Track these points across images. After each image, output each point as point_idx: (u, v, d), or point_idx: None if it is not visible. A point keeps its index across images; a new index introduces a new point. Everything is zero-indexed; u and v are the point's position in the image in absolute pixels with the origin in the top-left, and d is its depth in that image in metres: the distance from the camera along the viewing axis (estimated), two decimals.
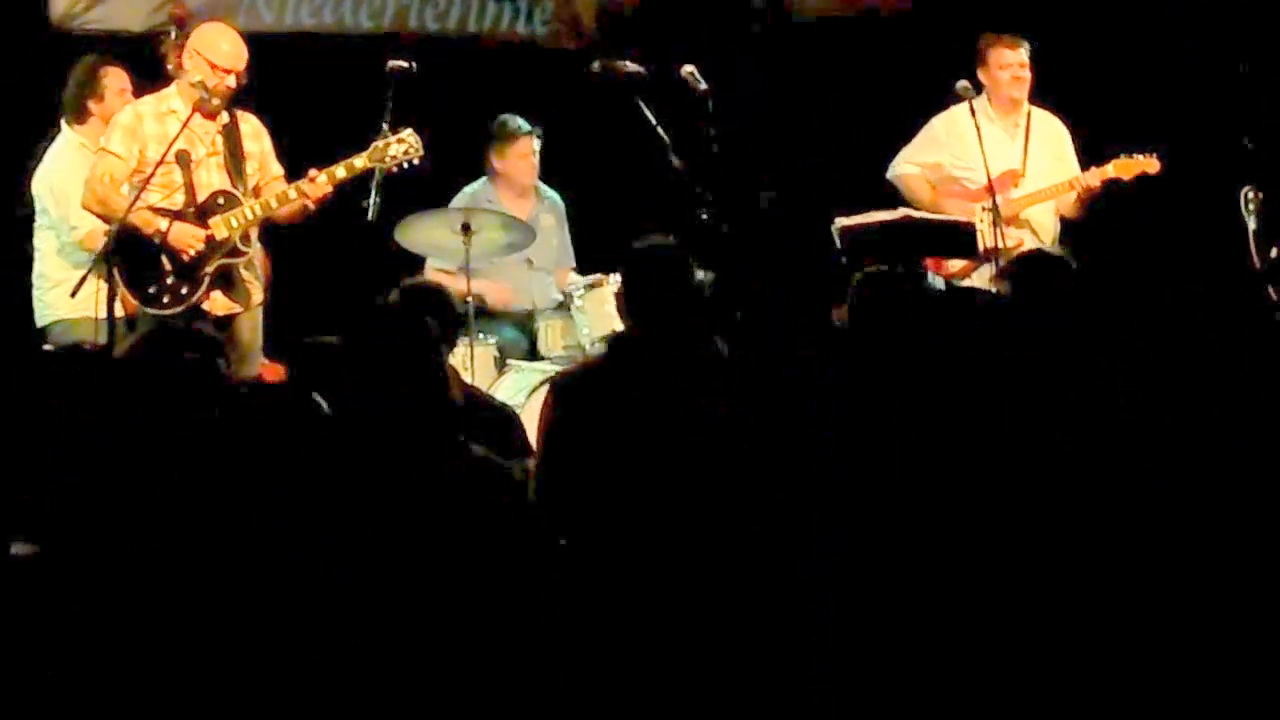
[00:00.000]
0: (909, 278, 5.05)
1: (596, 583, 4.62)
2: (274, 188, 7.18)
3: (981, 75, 8.11)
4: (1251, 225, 8.00)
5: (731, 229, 7.50)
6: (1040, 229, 8.11)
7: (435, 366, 4.30)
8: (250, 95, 7.25)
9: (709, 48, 8.84)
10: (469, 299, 7.54)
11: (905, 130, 8.35)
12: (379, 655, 4.06)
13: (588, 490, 4.71)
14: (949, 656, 4.47)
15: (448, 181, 8.34)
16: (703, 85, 7.50)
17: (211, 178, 7.13)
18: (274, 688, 4.06)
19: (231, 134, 7.17)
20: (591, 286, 7.85)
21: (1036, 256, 6.31)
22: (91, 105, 7.57)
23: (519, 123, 8.31)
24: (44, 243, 7.54)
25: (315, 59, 8.87)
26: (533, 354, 8.05)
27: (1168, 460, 4.55)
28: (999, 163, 7.95)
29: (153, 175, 6.94)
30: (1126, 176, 8.00)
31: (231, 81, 7.08)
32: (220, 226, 7.07)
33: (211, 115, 7.12)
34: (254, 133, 7.26)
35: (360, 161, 7.17)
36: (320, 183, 7.06)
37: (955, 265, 7.98)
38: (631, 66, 7.64)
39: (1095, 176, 8.02)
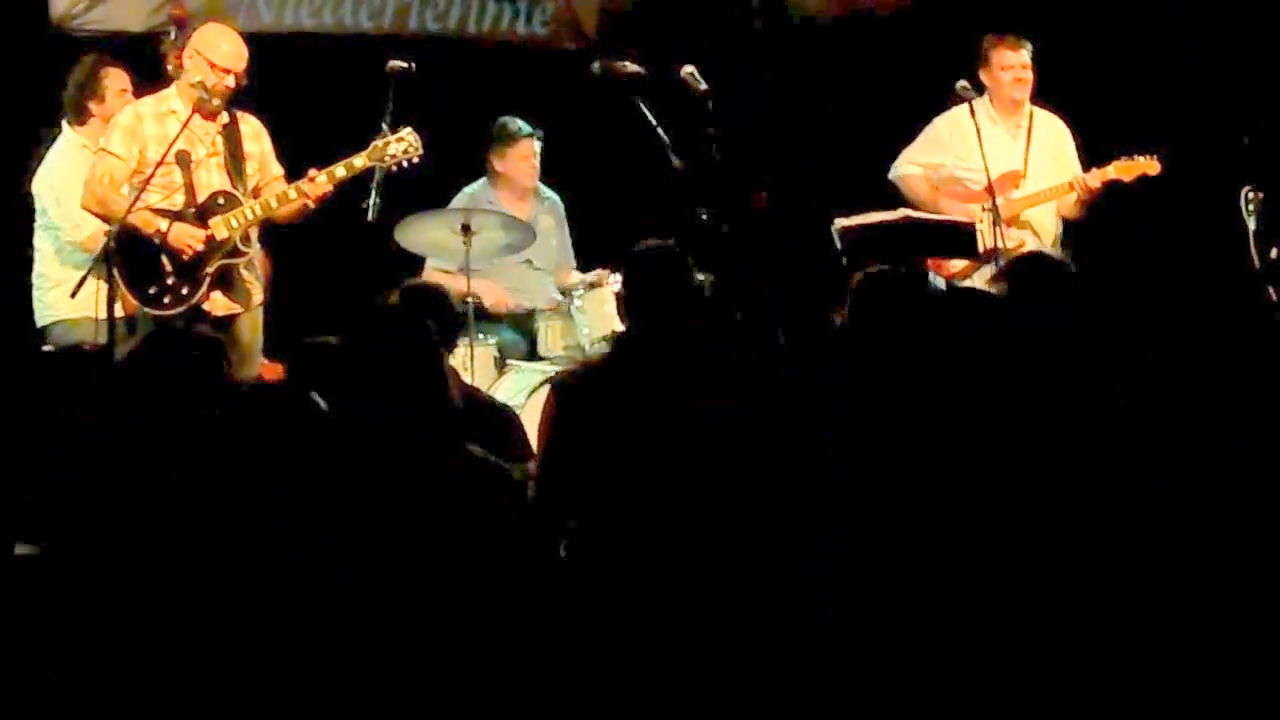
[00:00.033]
0: (909, 278, 5.04)
1: (597, 582, 4.62)
2: (274, 188, 7.18)
3: (984, 76, 8.11)
4: (1251, 225, 8.01)
5: (731, 229, 7.50)
6: (1041, 230, 8.11)
7: (435, 368, 4.29)
8: (250, 95, 7.25)
9: (709, 48, 8.85)
10: (469, 299, 7.54)
11: (905, 131, 8.35)
12: (378, 656, 4.06)
13: (589, 490, 4.71)
14: (949, 656, 4.48)
15: (448, 182, 8.34)
16: (703, 85, 7.50)
17: (211, 178, 7.13)
18: (274, 688, 4.06)
19: (231, 134, 7.17)
20: (592, 285, 7.86)
21: (1033, 258, 6.32)
22: (92, 105, 7.57)
23: (519, 124, 8.31)
24: (44, 243, 7.54)
25: (315, 59, 8.87)
26: (532, 354, 8.05)
27: (1167, 460, 4.55)
28: (1000, 164, 7.95)
29: (153, 176, 6.94)
30: (1127, 178, 8.01)
31: (231, 82, 7.08)
32: (220, 227, 7.07)
33: (211, 116, 7.12)
34: (254, 133, 7.26)
35: (360, 161, 7.17)
36: (320, 182, 7.06)
37: (956, 266, 7.98)
38: (631, 67, 7.64)
39: (1096, 178, 8.03)
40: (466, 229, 7.67)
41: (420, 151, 7.23)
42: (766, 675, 4.48)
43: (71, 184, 7.29)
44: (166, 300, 7.04)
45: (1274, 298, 7.12)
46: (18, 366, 7.12)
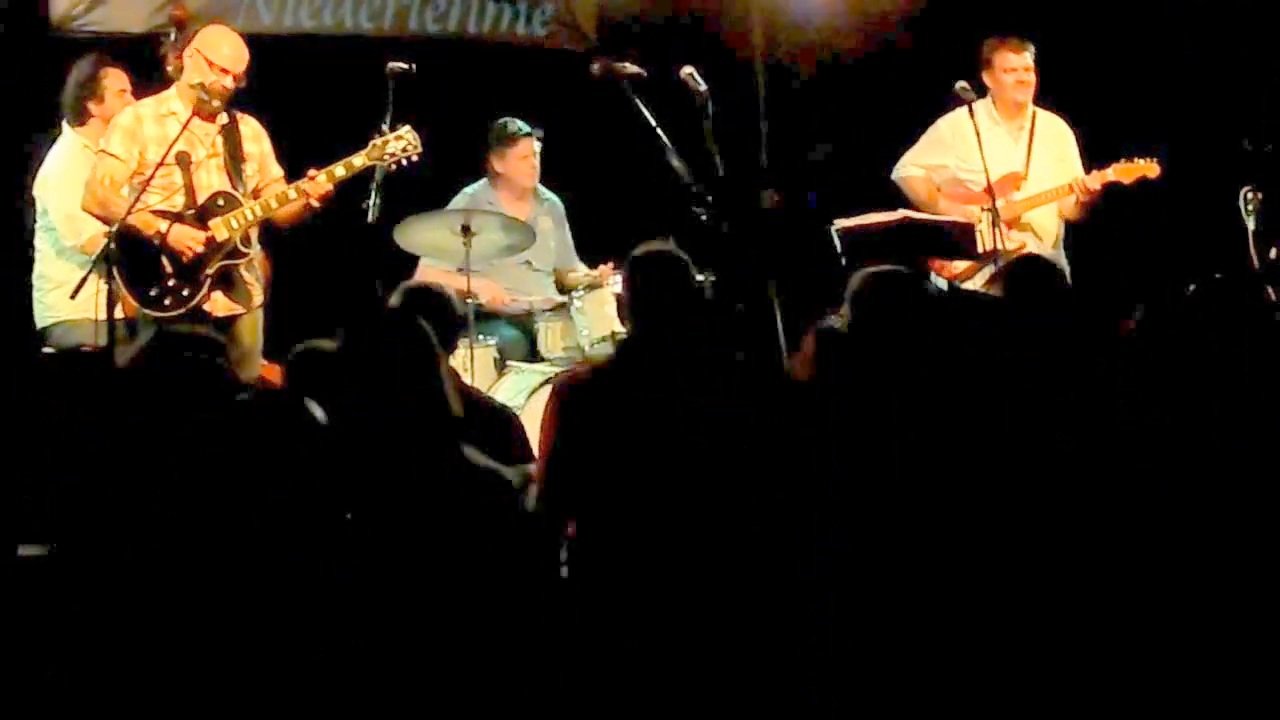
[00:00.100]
0: (909, 278, 5.04)
1: (597, 582, 4.62)
2: (274, 189, 7.18)
3: (986, 78, 8.12)
4: (1251, 226, 8.02)
5: (731, 229, 7.50)
6: (1042, 232, 8.11)
7: (432, 371, 4.29)
8: (250, 97, 7.25)
9: (709, 48, 8.86)
10: (469, 300, 7.54)
11: (906, 131, 8.36)
12: (376, 657, 4.06)
13: (590, 491, 4.71)
14: (949, 656, 4.48)
15: (448, 183, 8.34)
16: (702, 86, 7.50)
17: (211, 179, 7.13)
18: (274, 689, 4.06)
19: (231, 135, 7.17)
20: (592, 286, 7.86)
21: (1028, 259, 6.34)
22: (91, 106, 7.58)
23: (519, 124, 8.32)
24: (45, 244, 7.54)
25: (315, 60, 8.87)
26: (532, 355, 8.05)
27: (1168, 460, 4.55)
28: (1002, 165, 7.96)
29: (153, 177, 6.94)
30: (1126, 180, 8.01)
31: (229, 82, 7.07)
32: (220, 228, 7.06)
33: (211, 117, 7.12)
34: (254, 134, 7.26)
35: (359, 160, 7.17)
36: (320, 182, 7.06)
37: (958, 267, 7.98)
38: (631, 68, 7.64)
39: (1095, 180, 8.03)
40: (466, 230, 7.67)
41: (419, 149, 7.23)
42: (767, 675, 4.48)
43: (72, 185, 7.28)
44: (167, 302, 7.03)
45: (1274, 298, 7.12)
46: (18, 368, 7.12)
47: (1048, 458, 4.67)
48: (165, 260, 7.02)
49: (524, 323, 8.19)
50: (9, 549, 4.77)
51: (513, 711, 4.13)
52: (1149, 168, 7.99)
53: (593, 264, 8.24)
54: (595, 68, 7.77)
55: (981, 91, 8.04)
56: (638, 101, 7.53)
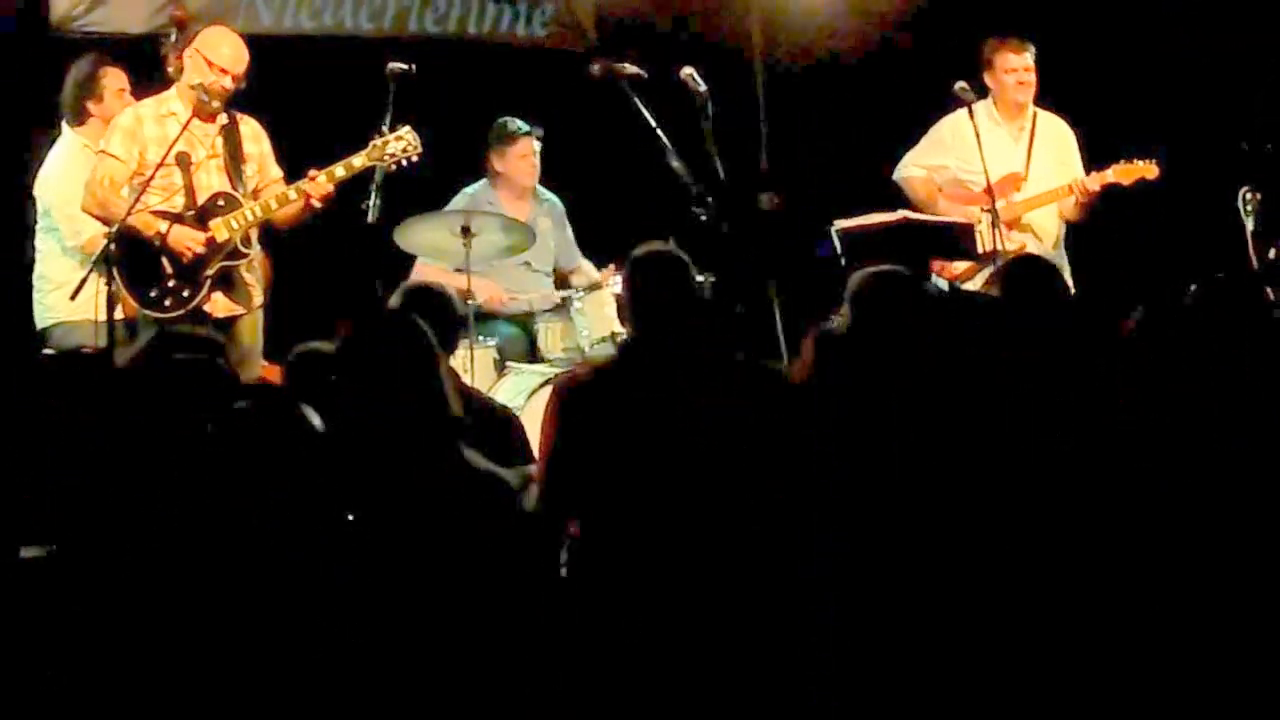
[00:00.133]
0: (908, 279, 5.04)
1: (598, 582, 4.62)
2: (273, 190, 7.18)
3: (987, 79, 8.12)
4: (1250, 226, 8.02)
5: (731, 229, 7.51)
6: (1042, 233, 8.11)
7: (431, 371, 4.29)
8: (250, 98, 7.25)
9: (709, 48, 8.86)
10: (469, 300, 7.54)
11: (906, 131, 8.36)
12: (375, 658, 4.07)
13: (590, 491, 4.72)
14: (949, 656, 4.48)
15: (448, 183, 8.34)
16: (702, 87, 7.50)
17: (211, 180, 7.13)
18: (274, 690, 4.06)
19: (231, 136, 7.18)
20: (592, 287, 7.87)
21: (1024, 259, 6.34)
22: (90, 106, 7.58)
23: (518, 123, 8.33)
24: (46, 244, 7.54)
25: (315, 61, 8.87)
26: (532, 356, 8.05)
27: (1168, 460, 4.55)
28: (1003, 166, 7.96)
29: (153, 178, 6.94)
30: (1126, 181, 8.02)
31: (228, 83, 7.08)
32: (220, 229, 7.07)
33: (210, 117, 7.12)
34: (254, 135, 7.26)
35: (359, 160, 7.17)
36: (320, 182, 7.06)
37: (959, 267, 7.98)
38: (631, 68, 7.64)
39: (1095, 181, 8.04)
40: (467, 231, 7.67)
41: (419, 150, 7.23)
42: (767, 675, 4.48)
43: (73, 184, 7.28)
44: (167, 303, 7.03)
45: (1273, 298, 7.12)
46: (19, 369, 7.12)
47: (1047, 458, 4.67)
48: (165, 261, 7.02)
49: (524, 323, 8.19)
50: (11, 550, 4.77)
51: (513, 712, 4.13)
52: (1148, 169, 7.99)
53: (596, 265, 8.25)
54: (595, 68, 7.78)
55: (982, 92, 8.04)
56: (638, 102, 7.53)
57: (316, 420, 4.34)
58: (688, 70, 7.54)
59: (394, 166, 7.24)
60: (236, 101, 7.18)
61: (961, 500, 4.60)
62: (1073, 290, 7.84)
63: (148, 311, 7.00)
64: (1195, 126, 9.00)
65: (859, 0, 9.65)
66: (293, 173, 7.22)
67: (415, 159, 7.24)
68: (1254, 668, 4.39)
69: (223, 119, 7.16)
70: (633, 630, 4.52)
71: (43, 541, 4.59)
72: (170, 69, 7.27)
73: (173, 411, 4.33)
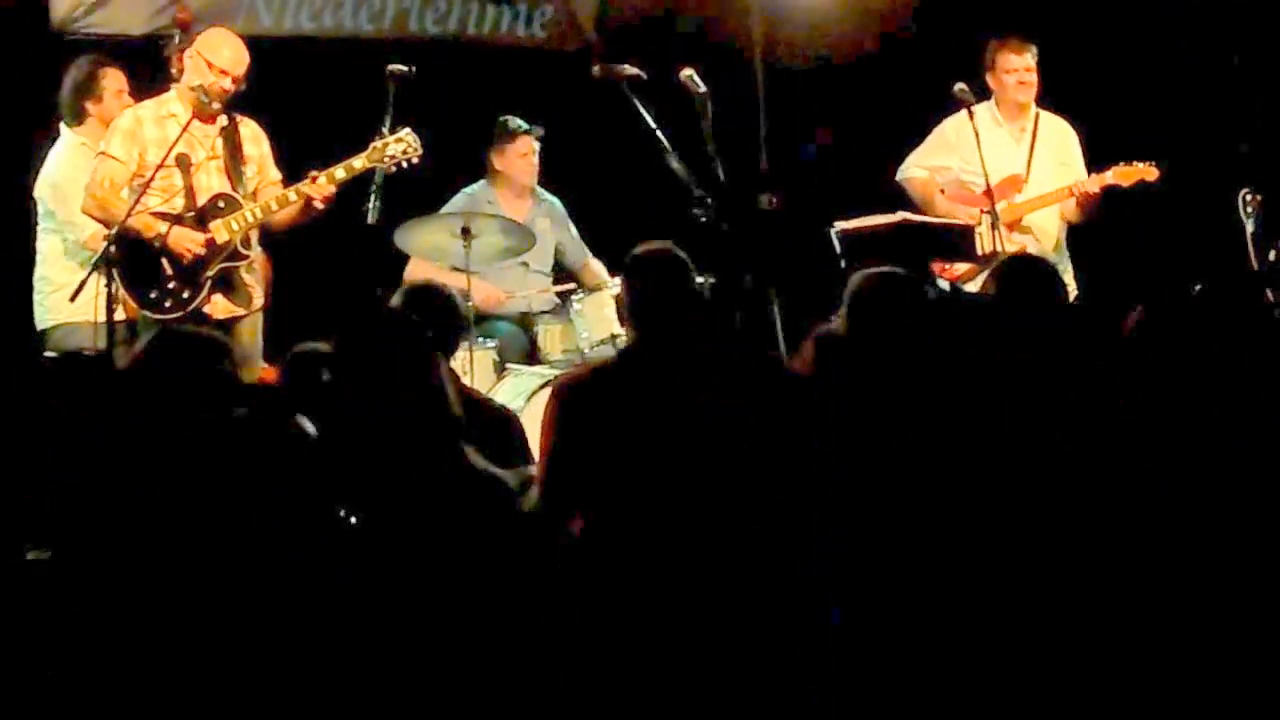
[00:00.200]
0: (907, 280, 5.05)
1: (598, 582, 4.63)
2: (273, 191, 7.18)
3: (989, 80, 8.12)
4: (1250, 227, 8.02)
5: (731, 229, 7.51)
6: (1043, 234, 8.11)
7: (429, 372, 4.29)
8: (250, 99, 7.25)
9: (709, 49, 8.86)
10: (469, 302, 7.54)
11: (906, 131, 8.36)
12: (375, 659, 4.07)
13: (590, 492, 4.72)
14: (948, 656, 4.48)
15: (448, 184, 8.35)
16: (702, 88, 7.50)
17: (211, 181, 7.13)
18: (274, 690, 4.07)
19: (231, 137, 7.18)
20: (592, 289, 7.87)
21: (1020, 258, 6.34)
22: (89, 106, 7.58)
23: (519, 121, 8.34)
24: (47, 245, 7.54)
25: (315, 62, 8.87)
26: (532, 358, 8.05)
27: (1168, 461, 4.55)
28: (1004, 167, 7.96)
29: (152, 179, 6.95)
30: (1125, 183, 8.01)
31: (228, 84, 7.08)
32: (220, 230, 7.07)
33: (210, 119, 7.13)
34: (253, 136, 7.26)
35: (359, 162, 7.18)
36: (320, 184, 7.07)
37: (960, 268, 7.98)
38: (631, 69, 7.64)
39: (1095, 183, 8.03)
40: (466, 232, 7.67)
41: (420, 152, 7.24)
42: (767, 675, 4.48)
43: (74, 185, 7.28)
44: (167, 304, 7.04)
45: (1273, 299, 7.13)
46: (19, 370, 7.12)
47: (1047, 458, 4.67)
48: (165, 262, 7.03)
49: (523, 325, 8.20)
50: (16, 551, 4.77)
51: (513, 712, 4.13)
52: (1148, 171, 7.99)
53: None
54: (595, 69, 7.78)
55: (983, 93, 8.04)
56: (637, 103, 7.53)
57: (310, 427, 4.34)
58: (687, 71, 7.55)
59: (394, 168, 7.24)
60: (236, 103, 7.19)
61: (961, 500, 4.60)
62: (1074, 292, 7.87)
63: (147, 313, 7.01)
64: (1195, 129, 9.00)
65: (859, 0, 9.65)
66: (293, 174, 7.22)
67: (415, 161, 7.24)
68: (1254, 667, 4.39)
69: (222, 120, 7.16)
70: (633, 630, 4.52)
71: (43, 543, 4.60)
72: (174, 70, 7.28)
73: (172, 412, 4.34)
